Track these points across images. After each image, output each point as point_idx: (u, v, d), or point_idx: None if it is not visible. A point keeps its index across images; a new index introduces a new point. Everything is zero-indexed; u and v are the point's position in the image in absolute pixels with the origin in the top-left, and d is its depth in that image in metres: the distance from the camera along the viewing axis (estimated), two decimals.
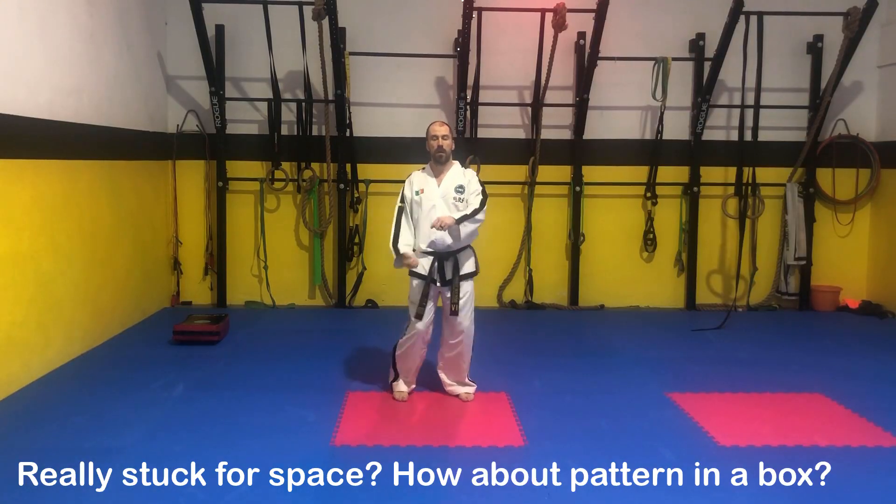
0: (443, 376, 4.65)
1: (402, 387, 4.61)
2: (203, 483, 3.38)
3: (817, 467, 3.60)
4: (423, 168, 4.49)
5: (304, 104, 7.09)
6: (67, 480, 3.37)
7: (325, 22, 6.47)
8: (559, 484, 3.44)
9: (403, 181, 4.50)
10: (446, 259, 4.34)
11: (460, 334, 4.41)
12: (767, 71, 7.11)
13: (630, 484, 3.44)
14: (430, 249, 4.34)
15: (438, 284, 4.37)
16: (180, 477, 3.42)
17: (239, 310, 7.09)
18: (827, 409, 4.51)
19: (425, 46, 7.17)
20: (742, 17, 6.71)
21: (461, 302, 4.32)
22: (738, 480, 3.48)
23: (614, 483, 3.45)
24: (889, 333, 6.56)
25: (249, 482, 3.39)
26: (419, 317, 4.34)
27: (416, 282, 4.41)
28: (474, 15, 6.61)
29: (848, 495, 3.36)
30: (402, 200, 4.44)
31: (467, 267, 4.41)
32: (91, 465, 3.50)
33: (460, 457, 3.73)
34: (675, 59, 7.07)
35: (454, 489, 3.40)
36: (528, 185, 7.30)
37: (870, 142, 7.37)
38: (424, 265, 4.36)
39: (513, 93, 7.34)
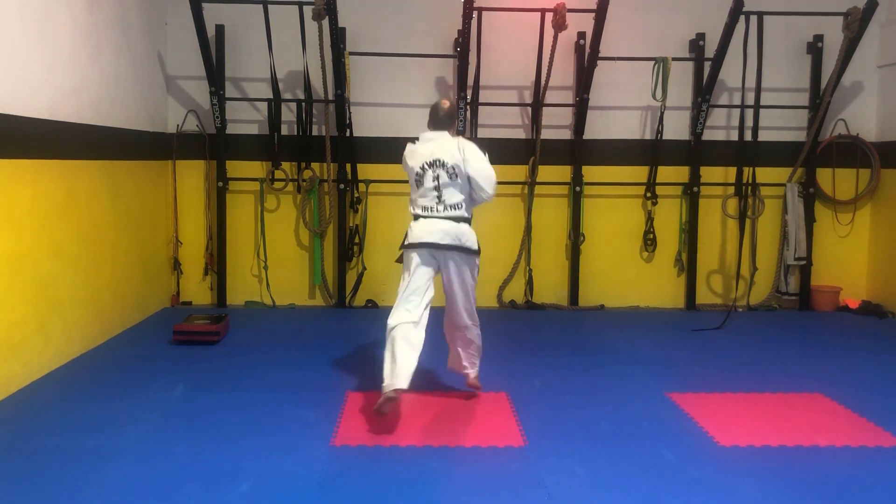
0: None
1: None
2: (203, 483, 3.38)
3: (817, 467, 3.60)
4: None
5: (304, 104, 7.09)
6: (68, 480, 3.37)
7: (325, 22, 6.47)
8: (559, 484, 3.43)
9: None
10: None
11: None
12: (767, 71, 7.11)
13: (630, 484, 3.44)
14: None
15: None
16: (180, 477, 3.43)
17: (239, 310, 7.09)
18: (827, 409, 4.51)
19: (425, 46, 7.17)
20: (742, 17, 6.71)
21: None
22: (738, 480, 3.48)
23: (614, 483, 3.45)
24: (889, 333, 6.56)
25: (249, 482, 3.39)
26: None
27: None
28: (474, 15, 6.60)
29: (848, 495, 3.36)
30: None
31: None
32: (91, 465, 3.51)
33: (460, 457, 3.73)
34: (675, 59, 7.07)
35: (454, 489, 3.40)
36: (528, 185, 7.30)
37: (870, 142, 7.37)
38: None
39: (513, 93, 7.34)
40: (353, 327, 6.51)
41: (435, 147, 4.25)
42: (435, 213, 4.20)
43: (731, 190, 7.35)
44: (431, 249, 4.19)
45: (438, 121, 4.37)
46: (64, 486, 3.32)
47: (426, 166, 4.20)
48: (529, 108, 7.29)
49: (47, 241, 4.96)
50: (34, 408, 4.34)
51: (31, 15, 4.75)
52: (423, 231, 4.19)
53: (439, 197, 4.18)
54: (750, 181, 7.23)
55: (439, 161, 4.18)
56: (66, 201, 5.19)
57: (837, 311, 7.39)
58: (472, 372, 4.57)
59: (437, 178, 4.19)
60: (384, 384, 4.06)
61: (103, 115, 5.77)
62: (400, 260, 4.37)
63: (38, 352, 4.84)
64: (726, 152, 7.39)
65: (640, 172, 7.38)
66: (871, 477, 3.55)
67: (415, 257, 4.20)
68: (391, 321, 4.18)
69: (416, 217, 4.27)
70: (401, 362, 4.05)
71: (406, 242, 4.26)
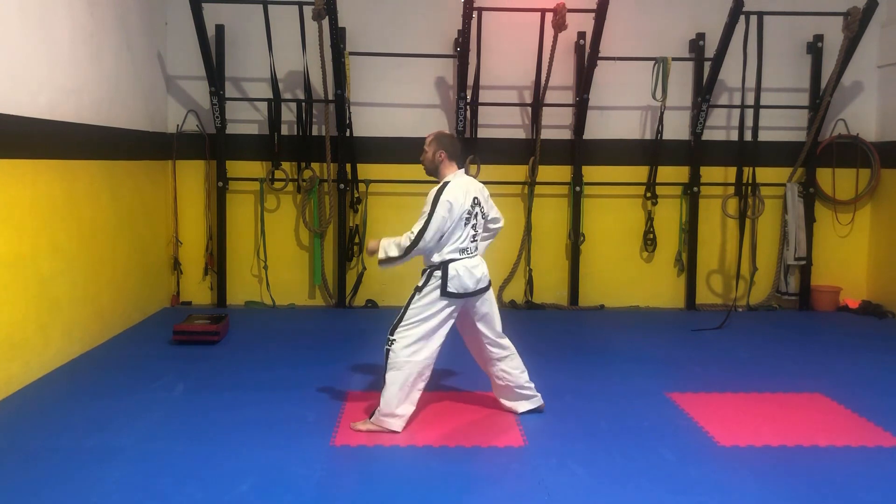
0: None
1: None
2: (203, 483, 3.38)
3: (817, 467, 3.60)
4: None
5: (304, 104, 7.09)
6: (68, 480, 3.37)
7: (325, 22, 6.48)
8: (559, 484, 3.43)
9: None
10: None
11: None
12: (767, 71, 7.11)
13: (630, 484, 3.44)
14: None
15: None
16: (180, 477, 3.43)
17: (239, 310, 7.09)
18: (827, 409, 4.51)
19: (425, 46, 7.17)
20: (742, 17, 6.72)
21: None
22: (738, 480, 3.48)
23: (614, 483, 3.45)
24: (889, 333, 6.56)
25: (249, 482, 3.39)
26: None
27: None
28: (474, 15, 6.60)
29: (848, 495, 3.36)
30: None
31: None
32: (91, 465, 3.51)
33: (460, 457, 3.74)
34: (675, 59, 7.06)
35: (454, 489, 3.40)
36: (528, 185, 7.30)
37: (870, 142, 7.37)
38: None
39: (513, 93, 7.34)
40: (353, 327, 6.51)
41: (470, 187, 4.12)
42: (469, 254, 4.10)
43: (731, 190, 7.35)
44: (471, 296, 4.10)
45: (459, 156, 4.21)
46: (64, 486, 3.32)
47: (473, 205, 4.10)
48: (529, 108, 7.29)
49: (47, 241, 4.96)
50: (34, 408, 4.34)
51: (31, 15, 4.76)
52: (466, 277, 4.02)
53: (475, 237, 4.14)
54: (750, 181, 7.23)
55: (477, 200, 4.12)
56: (66, 201, 5.19)
57: (837, 311, 7.39)
58: (538, 397, 4.40)
59: (476, 216, 4.12)
60: (389, 414, 4.01)
61: (103, 115, 5.77)
62: (423, 287, 4.06)
63: (38, 352, 4.84)
64: (726, 152, 7.39)
65: (640, 172, 7.38)
66: (871, 477, 3.55)
67: (455, 304, 4.06)
68: (422, 356, 4.06)
69: (450, 261, 4.02)
70: (411, 405, 4.08)
71: (451, 290, 4.00)
